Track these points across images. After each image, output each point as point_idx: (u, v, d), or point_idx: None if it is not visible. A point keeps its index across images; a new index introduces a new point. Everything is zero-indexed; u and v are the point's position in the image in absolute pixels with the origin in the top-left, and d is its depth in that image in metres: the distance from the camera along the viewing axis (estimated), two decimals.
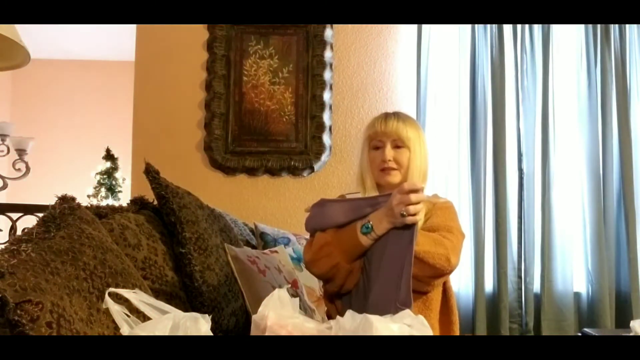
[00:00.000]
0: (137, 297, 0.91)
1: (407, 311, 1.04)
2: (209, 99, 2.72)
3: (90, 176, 5.29)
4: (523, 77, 2.75)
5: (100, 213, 1.35)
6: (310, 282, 2.03)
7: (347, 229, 1.38)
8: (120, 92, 5.10)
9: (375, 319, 0.94)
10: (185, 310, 1.35)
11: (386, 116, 1.55)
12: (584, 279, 2.69)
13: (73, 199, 1.21)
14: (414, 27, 2.77)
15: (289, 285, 1.88)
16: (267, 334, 0.95)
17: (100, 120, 5.61)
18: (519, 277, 2.66)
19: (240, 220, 2.30)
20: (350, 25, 2.79)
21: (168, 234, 1.52)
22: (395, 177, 1.52)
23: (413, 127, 1.54)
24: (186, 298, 1.46)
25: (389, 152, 1.51)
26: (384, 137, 1.52)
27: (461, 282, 2.66)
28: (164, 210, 1.52)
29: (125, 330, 0.87)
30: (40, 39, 4.80)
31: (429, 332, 1.01)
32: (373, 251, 1.35)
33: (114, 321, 0.91)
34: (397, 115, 1.56)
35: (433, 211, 1.52)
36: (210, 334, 0.86)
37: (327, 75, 2.74)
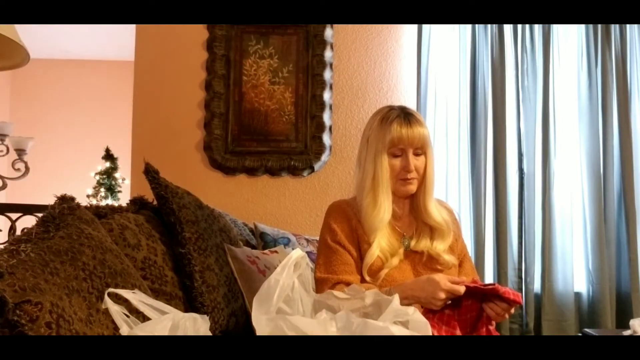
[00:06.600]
0: (137, 298, 0.92)
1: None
2: (209, 99, 2.72)
3: (89, 176, 5.29)
4: (523, 77, 2.74)
5: (99, 213, 1.35)
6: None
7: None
8: (120, 92, 5.10)
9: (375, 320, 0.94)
10: (185, 310, 1.36)
11: (405, 117, 1.42)
12: (585, 279, 2.69)
13: (72, 199, 1.21)
14: (414, 26, 2.77)
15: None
16: None
17: (100, 120, 5.61)
18: (520, 277, 2.66)
19: (240, 220, 2.29)
20: (350, 25, 2.79)
21: (168, 234, 1.52)
22: (415, 186, 1.45)
23: (426, 128, 1.44)
24: (186, 298, 1.46)
25: (413, 161, 1.42)
26: (408, 144, 1.41)
27: None
28: (163, 210, 1.52)
29: (124, 331, 0.87)
30: (40, 38, 4.80)
31: (429, 332, 1.01)
32: None
33: (113, 321, 0.91)
34: (413, 116, 1.43)
35: (457, 234, 1.52)
36: (210, 334, 0.86)
37: (327, 75, 2.73)
